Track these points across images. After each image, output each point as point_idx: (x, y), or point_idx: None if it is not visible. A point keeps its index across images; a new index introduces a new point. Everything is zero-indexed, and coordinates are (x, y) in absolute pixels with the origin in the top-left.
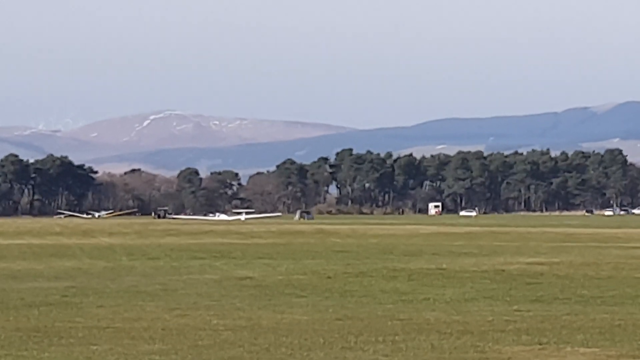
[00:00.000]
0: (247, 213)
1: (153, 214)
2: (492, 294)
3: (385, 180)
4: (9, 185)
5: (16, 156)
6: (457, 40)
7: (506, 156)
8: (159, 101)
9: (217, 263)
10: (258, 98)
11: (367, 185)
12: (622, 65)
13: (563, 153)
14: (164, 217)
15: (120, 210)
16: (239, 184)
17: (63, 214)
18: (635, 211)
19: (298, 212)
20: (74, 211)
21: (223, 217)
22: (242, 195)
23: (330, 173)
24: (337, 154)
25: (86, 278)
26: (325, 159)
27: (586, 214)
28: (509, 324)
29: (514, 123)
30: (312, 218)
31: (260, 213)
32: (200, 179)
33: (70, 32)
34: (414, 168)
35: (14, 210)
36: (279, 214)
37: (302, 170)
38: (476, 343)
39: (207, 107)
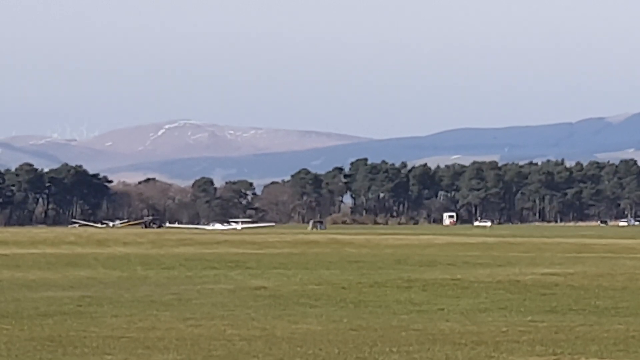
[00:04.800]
0: (243, 222)
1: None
2: (506, 304)
3: (400, 190)
4: (24, 194)
5: (31, 165)
6: (472, 51)
7: (521, 166)
8: (174, 110)
9: (232, 273)
10: (273, 107)
11: (381, 195)
12: (637, 75)
13: (578, 163)
14: (155, 226)
15: (135, 219)
16: (254, 194)
17: (77, 223)
18: None
19: (311, 222)
20: (88, 220)
21: (218, 226)
22: (256, 205)
23: (345, 183)
24: (352, 163)
25: (101, 287)
26: (340, 169)
27: (601, 224)
28: (523, 334)
29: (529, 133)
30: (325, 228)
31: (270, 222)
32: (215, 188)
33: (86, 41)
34: (428, 178)
35: (28, 220)
36: (273, 223)
37: (316, 180)
38: (490, 354)
39: (221, 116)
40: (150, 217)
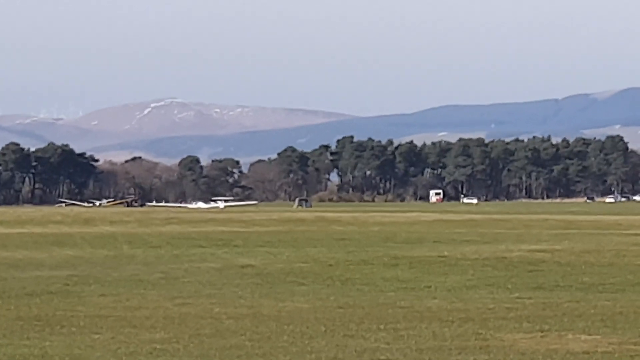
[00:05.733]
0: (225, 201)
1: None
2: (493, 281)
3: (387, 167)
4: (10, 173)
5: (17, 145)
6: (457, 27)
7: (507, 143)
8: (160, 89)
9: (219, 251)
10: (259, 85)
11: (368, 172)
12: (623, 51)
13: (564, 140)
14: (137, 205)
15: (122, 198)
16: (240, 172)
17: (64, 202)
18: (637, 198)
19: (297, 200)
20: (75, 200)
21: (201, 204)
22: (243, 183)
23: (332, 160)
24: (338, 141)
25: (87, 267)
26: (327, 147)
27: (587, 200)
28: (510, 311)
29: (515, 110)
30: (310, 206)
31: (253, 201)
32: (202, 166)
33: (71, 20)
34: (415, 155)
35: (15, 199)
36: (256, 201)
37: (303, 157)
38: (478, 330)
39: (208, 94)
40: (132, 196)
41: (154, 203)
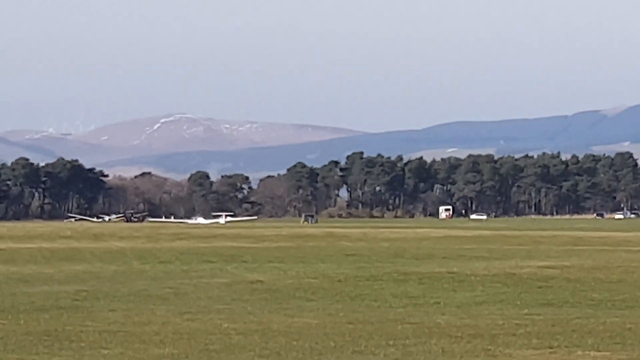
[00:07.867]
0: (227, 216)
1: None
2: (502, 297)
3: (396, 183)
4: (20, 188)
5: (27, 159)
6: (467, 43)
7: (517, 159)
8: (170, 104)
9: (228, 267)
10: (269, 101)
11: (377, 188)
12: (633, 68)
13: (574, 156)
14: (136, 220)
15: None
16: (250, 188)
17: (73, 217)
18: None
19: (303, 216)
20: (84, 215)
21: (201, 220)
22: (252, 198)
23: (341, 176)
24: (348, 157)
25: (97, 282)
26: (336, 163)
27: (597, 217)
28: (519, 327)
29: (525, 126)
30: (316, 221)
31: (254, 216)
32: (211, 182)
33: (81, 35)
34: (424, 171)
35: (24, 214)
36: (256, 217)
37: (312, 173)
38: (487, 347)
39: (217, 110)
40: (132, 211)
41: (155, 218)
